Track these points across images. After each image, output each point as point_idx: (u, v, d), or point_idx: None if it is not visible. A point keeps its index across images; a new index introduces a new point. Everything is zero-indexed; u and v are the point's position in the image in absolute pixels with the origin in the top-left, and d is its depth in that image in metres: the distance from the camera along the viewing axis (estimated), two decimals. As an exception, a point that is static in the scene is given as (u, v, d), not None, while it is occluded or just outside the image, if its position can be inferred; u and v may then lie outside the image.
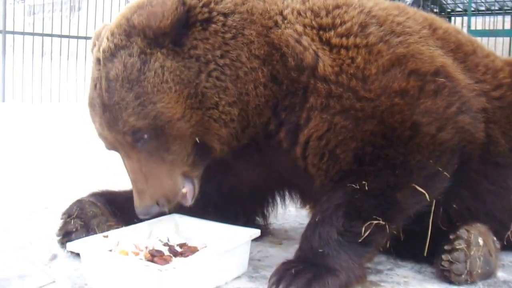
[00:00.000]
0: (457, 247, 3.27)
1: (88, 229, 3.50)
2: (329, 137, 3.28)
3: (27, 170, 6.52)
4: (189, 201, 3.49)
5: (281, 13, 3.48)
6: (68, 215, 3.58)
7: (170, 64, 3.25)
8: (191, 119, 3.27)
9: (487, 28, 14.15)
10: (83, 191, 3.88)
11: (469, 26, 12.54)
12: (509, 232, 3.70)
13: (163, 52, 3.26)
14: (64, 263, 3.46)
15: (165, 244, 3.49)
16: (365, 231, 3.11)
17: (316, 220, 3.22)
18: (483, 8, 14.67)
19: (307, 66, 3.33)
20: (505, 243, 3.68)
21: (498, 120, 3.66)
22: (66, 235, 3.52)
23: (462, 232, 3.32)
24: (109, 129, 3.31)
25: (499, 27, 14.03)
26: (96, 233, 3.43)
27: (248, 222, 3.98)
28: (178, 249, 3.45)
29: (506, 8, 14.38)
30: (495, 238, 3.46)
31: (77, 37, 16.73)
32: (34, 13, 19.80)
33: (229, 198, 4.03)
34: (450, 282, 3.32)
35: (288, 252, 3.69)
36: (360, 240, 3.13)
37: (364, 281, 3.25)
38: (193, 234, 3.59)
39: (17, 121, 11.15)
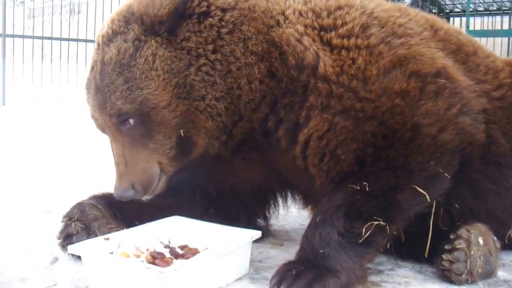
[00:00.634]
0: (458, 246, 3.27)
1: (89, 232, 3.50)
2: (330, 137, 3.29)
3: (28, 173, 6.52)
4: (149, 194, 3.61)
5: (283, 13, 3.51)
6: (69, 218, 3.58)
7: (163, 53, 3.36)
8: (177, 108, 3.36)
9: (485, 28, 14.17)
10: (84, 194, 3.90)
11: (467, 27, 12.55)
12: (510, 231, 3.72)
13: (157, 40, 3.37)
14: (65, 266, 3.46)
15: (166, 246, 3.50)
16: (365, 232, 3.11)
17: (317, 220, 3.22)
18: (481, 9, 14.70)
19: (308, 65, 3.35)
20: (506, 242, 3.69)
21: (499, 120, 3.67)
22: (67, 238, 3.52)
23: (462, 231, 3.32)
24: (99, 111, 3.45)
25: (498, 27, 14.06)
26: (97, 235, 3.43)
27: (249, 223, 3.99)
28: (179, 251, 3.46)
29: (504, 8, 14.41)
30: (495, 238, 3.46)
31: (77, 40, 16.76)
32: (34, 16, 19.80)
33: (231, 199, 4.04)
34: (451, 282, 3.32)
35: (289, 253, 3.69)
36: (360, 241, 3.13)
37: (365, 282, 3.25)
38: (194, 236, 3.58)
39: (18, 124, 11.15)
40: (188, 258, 3.25)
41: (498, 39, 13.86)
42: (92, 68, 3.50)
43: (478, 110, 3.48)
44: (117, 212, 3.72)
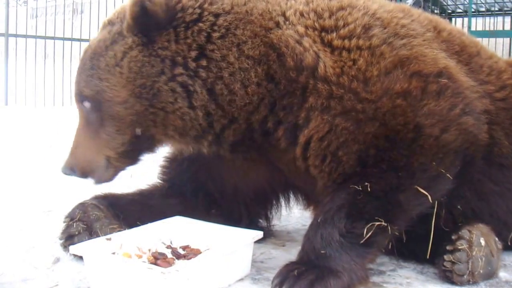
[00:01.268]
0: (459, 247, 3.27)
1: (90, 232, 3.51)
2: (331, 138, 3.28)
3: (30, 173, 6.53)
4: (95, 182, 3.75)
5: (283, 14, 3.51)
6: (71, 218, 3.59)
7: (136, 54, 3.44)
8: (133, 107, 3.45)
9: (487, 29, 14.16)
10: (86, 194, 3.89)
11: (469, 27, 12.56)
12: (513, 233, 3.71)
13: (134, 40, 3.45)
14: (67, 266, 3.46)
15: (168, 247, 3.50)
16: (367, 232, 3.10)
17: (318, 221, 3.22)
18: (483, 9, 14.70)
19: (307, 66, 3.34)
20: (509, 243, 3.68)
21: (502, 121, 3.66)
22: (68, 239, 3.53)
23: (464, 232, 3.32)
24: (74, 88, 3.70)
25: (499, 28, 14.06)
26: (99, 236, 3.43)
27: (251, 224, 4.00)
28: (181, 251, 3.46)
29: (506, 9, 14.41)
30: (497, 239, 3.45)
31: (80, 40, 16.74)
32: (36, 16, 19.83)
33: (233, 199, 4.05)
34: (452, 283, 3.32)
35: (291, 253, 3.69)
36: (362, 241, 3.12)
37: (366, 282, 3.25)
38: (196, 236, 3.58)
39: (20, 125, 11.15)
40: (190, 258, 3.25)
41: (500, 40, 13.87)
42: (85, 48, 3.72)
43: (480, 110, 3.46)
44: (119, 212, 3.72)
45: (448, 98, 3.28)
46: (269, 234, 4.16)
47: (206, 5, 3.50)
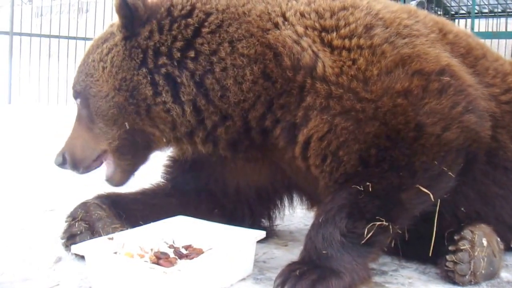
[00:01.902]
0: (461, 247, 3.27)
1: (92, 232, 3.51)
2: (330, 138, 3.28)
3: (33, 171, 6.53)
4: (105, 177, 3.90)
5: (283, 15, 3.53)
6: (73, 217, 3.60)
7: (119, 49, 3.57)
8: (113, 99, 3.56)
9: (490, 30, 14.14)
10: (89, 193, 3.90)
11: (472, 28, 12.55)
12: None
13: (120, 36, 3.59)
14: (69, 266, 3.46)
15: (171, 246, 3.51)
16: (368, 232, 3.10)
17: (320, 221, 3.21)
18: (486, 11, 14.66)
19: (304, 66, 3.34)
20: (511, 245, 3.69)
21: (507, 124, 3.65)
22: (70, 238, 3.54)
23: (466, 232, 3.32)
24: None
25: (502, 29, 14.02)
26: (101, 235, 3.43)
27: (253, 223, 4.00)
28: (184, 251, 3.46)
29: (509, 10, 14.39)
30: (499, 239, 3.45)
31: (85, 39, 16.70)
32: (41, 15, 19.79)
33: (235, 199, 4.06)
34: (454, 283, 3.32)
35: (293, 253, 3.69)
36: (363, 241, 3.11)
37: (368, 282, 3.24)
38: (198, 236, 3.58)
39: (24, 123, 11.15)
40: (193, 258, 3.26)
41: (503, 41, 13.82)
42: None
43: (484, 108, 3.44)
44: (122, 211, 3.73)
45: (450, 96, 3.26)
46: (271, 234, 4.16)
47: (198, 4, 3.57)
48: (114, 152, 3.70)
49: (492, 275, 3.39)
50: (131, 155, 3.72)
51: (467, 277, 3.26)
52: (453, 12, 15.55)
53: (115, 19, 3.73)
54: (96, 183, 4.08)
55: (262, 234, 3.47)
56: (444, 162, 3.20)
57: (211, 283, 3.11)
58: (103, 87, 3.57)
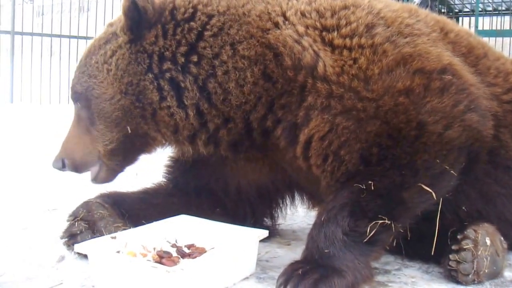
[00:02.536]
0: (465, 247, 3.26)
1: (93, 231, 3.53)
2: (332, 138, 3.27)
3: (35, 171, 6.52)
4: (91, 176, 3.85)
5: (283, 15, 3.52)
6: (74, 217, 3.61)
7: (124, 52, 3.54)
8: (119, 102, 3.53)
9: (494, 28, 14.09)
10: (91, 192, 3.89)
11: (476, 27, 12.50)
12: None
13: (124, 38, 3.55)
14: (72, 265, 3.46)
15: (173, 245, 3.50)
16: (370, 231, 3.09)
17: (322, 219, 3.20)
18: (490, 9, 14.61)
19: (305, 65, 3.34)
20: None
21: (509, 124, 3.64)
22: (71, 238, 3.55)
23: (469, 232, 3.31)
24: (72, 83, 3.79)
25: (507, 27, 13.97)
26: (102, 234, 3.44)
27: (256, 223, 3.99)
28: (186, 250, 3.46)
29: (513, 8, 14.32)
30: (502, 238, 3.43)
31: (86, 38, 16.66)
32: (42, 14, 19.80)
33: (237, 198, 4.05)
34: (458, 282, 3.31)
35: (296, 252, 3.68)
36: (365, 240, 3.11)
37: (371, 281, 3.24)
38: (201, 235, 3.58)
39: (26, 122, 11.14)
40: (195, 257, 3.26)
41: (507, 39, 13.76)
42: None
43: (486, 106, 3.44)
44: (124, 210, 3.74)
45: (452, 95, 3.25)
46: (274, 233, 4.16)
47: (200, 6, 3.56)
48: (107, 154, 3.68)
49: (495, 274, 3.37)
50: (122, 156, 3.72)
51: (470, 276, 3.26)
52: (457, 10, 15.48)
53: (116, 17, 3.72)
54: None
55: (264, 233, 3.47)
56: (446, 161, 3.19)
57: (214, 282, 3.11)
58: (107, 89, 3.54)
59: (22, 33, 16.32)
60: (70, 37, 16.89)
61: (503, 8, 14.57)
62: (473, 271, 3.25)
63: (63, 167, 3.74)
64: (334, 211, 3.17)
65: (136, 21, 3.52)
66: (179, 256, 3.35)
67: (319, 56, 3.35)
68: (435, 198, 3.19)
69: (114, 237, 3.30)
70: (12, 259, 3.54)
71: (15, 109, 13.39)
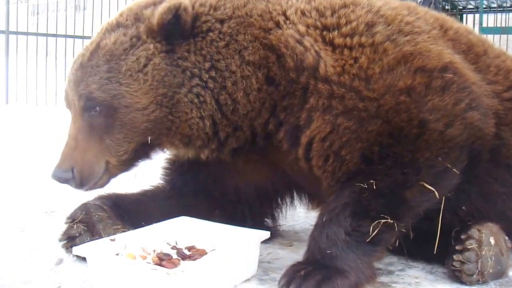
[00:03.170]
0: (468, 247, 3.24)
1: (92, 233, 3.50)
2: (333, 138, 3.26)
3: (32, 172, 6.50)
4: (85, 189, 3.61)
5: (284, 14, 3.50)
6: (72, 219, 3.57)
7: (158, 62, 3.40)
8: (152, 114, 3.40)
9: (499, 25, 14.07)
10: (90, 194, 3.84)
11: (480, 24, 12.48)
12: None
13: (157, 46, 3.41)
14: (70, 268, 3.43)
15: (173, 247, 3.48)
16: (373, 230, 3.08)
17: (323, 220, 3.20)
18: (495, 5, 14.57)
19: (308, 66, 3.33)
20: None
21: (510, 122, 3.63)
22: (69, 240, 3.52)
23: (473, 231, 3.29)
24: (72, 88, 3.54)
25: (511, 24, 13.95)
26: (101, 237, 3.41)
27: (255, 224, 3.96)
28: (187, 252, 3.44)
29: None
30: (506, 237, 3.42)
31: (82, 37, 16.60)
32: (38, 13, 19.82)
33: (235, 200, 4.04)
34: (462, 282, 3.30)
35: (298, 254, 3.64)
36: (368, 240, 3.10)
37: (374, 281, 3.23)
38: (201, 237, 3.56)
39: (22, 124, 11.13)
40: (196, 259, 3.24)
41: (512, 36, 13.75)
42: (86, 47, 3.59)
43: (487, 105, 3.43)
44: (123, 212, 3.70)
45: (453, 93, 3.25)
46: (276, 234, 4.13)
47: (212, 11, 3.50)
48: (118, 164, 3.54)
49: (500, 274, 3.36)
50: (129, 165, 3.64)
51: (474, 276, 3.24)
52: (460, 7, 15.44)
53: (113, 16, 3.66)
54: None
55: (266, 234, 3.45)
56: (448, 159, 3.19)
57: (215, 285, 3.09)
58: (141, 99, 3.39)
59: (17, 33, 16.31)
60: (66, 36, 16.86)
61: (508, 5, 14.52)
62: (477, 271, 3.23)
63: (69, 177, 3.47)
64: (336, 211, 3.16)
65: (171, 32, 3.42)
66: (180, 258, 3.33)
67: (320, 57, 3.33)
68: (437, 196, 3.18)
69: (113, 240, 3.27)
70: (10, 262, 3.51)
71: (11, 111, 13.38)
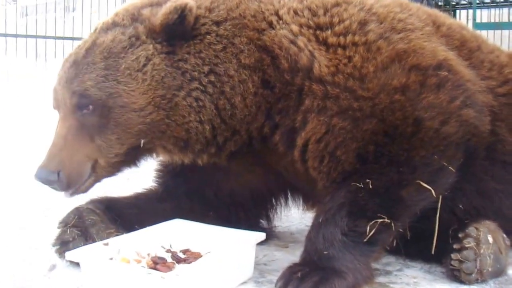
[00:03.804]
0: (467, 245, 3.23)
1: (86, 238, 3.45)
2: (328, 139, 3.25)
3: (25, 178, 6.44)
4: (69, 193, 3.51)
5: (276, 13, 3.49)
6: (65, 223, 3.52)
7: (158, 62, 3.34)
8: (149, 116, 3.34)
9: (492, 21, 14.08)
10: (83, 198, 3.80)
11: (474, 19, 12.49)
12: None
13: (156, 47, 3.36)
14: (64, 273, 3.40)
15: (168, 251, 3.46)
16: (370, 230, 3.08)
17: (320, 221, 3.18)
18: (488, 1, 14.59)
19: (302, 67, 3.32)
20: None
21: (505, 117, 3.62)
22: (63, 245, 3.46)
23: (471, 230, 3.28)
24: (63, 85, 3.43)
25: (505, 19, 13.97)
26: (95, 241, 3.37)
27: (250, 225, 3.93)
28: (181, 255, 3.42)
29: (511, 0, 14.29)
30: (504, 235, 3.41)
31: (72, 39, 16.61)
32: (27, 15, 19.79)
33: (229, 202, 4.02)
34: (461, 282, 3.29)
35: (294, 255, 3.63)
36: (365, 240, 3.09)
37: (371, 282, 3.23)
38: (196, 240, 3.53)
39: (13, 125, 11.10)
40: (191, 262, 3.21)
41: (506, 32, 13.72)
42: (79, 45, 3.51)
43: (482, 102, 3.43)
44: (116, 216, 3.66)
45: (448, 90, 3.25)
46: (271, 236, 4.11)
47: (207, 13, 3.46)
48: (107, 167, 3.46)
49: (499, 272, 3.35)
50: (118, 169, 3.57)
51: (473, 275, 3.23)
52: (454, 3, 15.44)
53: (103, 17, 3.62)
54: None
55: (262, 236, 3.43)
56: (444, 157, 3.18)
57: (211, 288, 3.07)
58: (138, 99, 3.32)
59: (5, 35, 16.30)
60: (55, 38, 16.82)
61: (501, 0, 14.53)
62: (476, 270, 3.22)
63: (53, 179, 3.36)
64: (332, 211, 3.15)
65: (173, 33, 3.37)
66: (174, 262, 3.31)
67: (314, 57, 3.32)
68: (434, 195, 3.17)
69: (107, 244, 3.24)
70: (2, 269, 3.47)
71: (3, 111, 13.34)
